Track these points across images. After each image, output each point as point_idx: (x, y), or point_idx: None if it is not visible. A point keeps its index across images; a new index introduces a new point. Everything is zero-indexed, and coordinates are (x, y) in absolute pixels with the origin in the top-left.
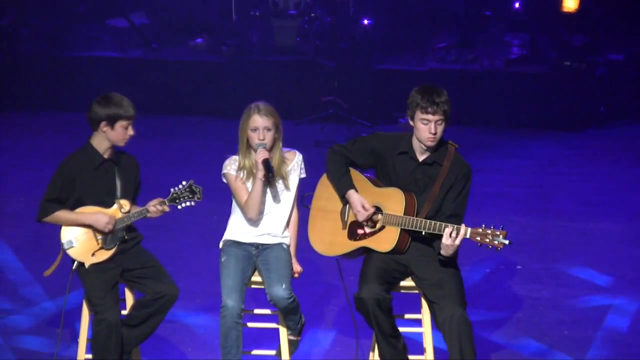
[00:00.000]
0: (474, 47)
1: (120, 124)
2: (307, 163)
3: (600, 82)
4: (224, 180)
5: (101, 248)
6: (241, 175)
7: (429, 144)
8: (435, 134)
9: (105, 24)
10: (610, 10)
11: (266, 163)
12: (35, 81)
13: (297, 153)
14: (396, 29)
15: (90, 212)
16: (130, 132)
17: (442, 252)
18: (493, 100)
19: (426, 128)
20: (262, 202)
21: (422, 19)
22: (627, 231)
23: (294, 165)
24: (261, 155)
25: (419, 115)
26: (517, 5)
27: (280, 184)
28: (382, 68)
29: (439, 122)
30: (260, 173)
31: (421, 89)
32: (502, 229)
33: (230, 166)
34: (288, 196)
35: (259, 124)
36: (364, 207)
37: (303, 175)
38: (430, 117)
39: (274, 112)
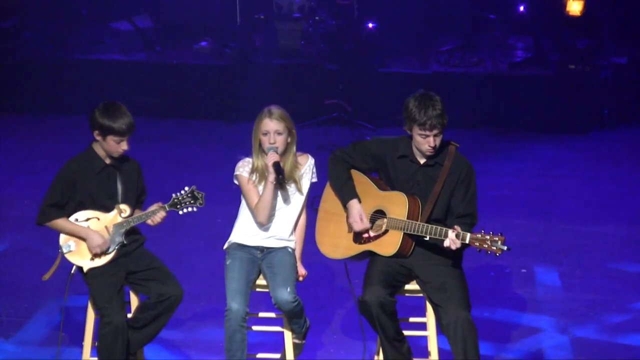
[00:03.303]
0: (477, 50)
1: (111, 138)
2: None
3: (604, 85)
4: (236, 182)
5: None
6: (253, 177)
7: (429, 154)
8: (434, 146)
9: (108, 26)
10: (614, 14)
11: (276, 166)
12: (39, 84)
13: (309, 157)
14: (400, 32)
15: (88, 228)
16: (124, 147)
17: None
18: (497, 103)
19: (425, 142)
20: (273, 206)
21: (425, 22)
22: (631, 234)
23: (306, 169)
24: (271, 158)
25: (417, 130)
26: (521, 8)
27: (292, 187)
28: (386, 71)
29: (437, 135)
30: (272, 176)
31: (417, 102)
32: (501, 234)
33: (243, 168)
34: (298, 200)
35: (270, 128)
36: (361, 220)
37: (314, 180)
38: (428, 132)
39: (286, 117)
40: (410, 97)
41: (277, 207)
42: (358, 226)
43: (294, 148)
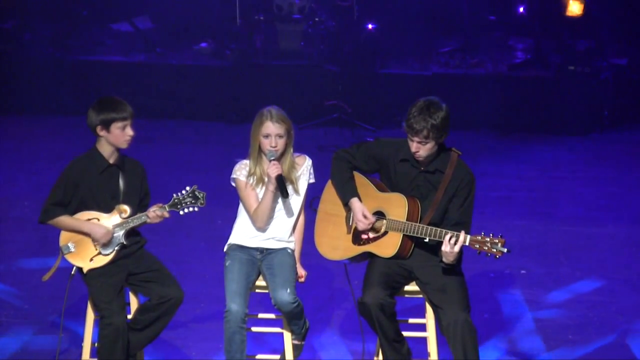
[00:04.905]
0: (477, 52)
1: (115, 126)
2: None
3: (604, 86)
4: (233, 185)
5: (99, 253)
6: (251, 181)
7: (416, 157)
8: (417, 152)
9: (109, 27)
10: (614, 15)
11: (280, 179)
12: (39, 85)
13: (307, 158)
14: (400, 33)
15: (90, 222)
16: (129, 132)
17: (444, 259)
18: (496, 104)
19: (412, 144)
20: (272, 211)
21: (426, 24)
22: (631, 235)
23: (304, 170)
24: (274, 170)
25: (406, 129)
26: (521, 9)
27: (289, 189)
28: (386, 72)
29: (422, 143)
30: (272, 185)
31: (418, 107)
32: (501, 237)
33: (240, 171)
34: (296, 201)
35: (271, 131)
36: (364, 217)
37: (312, 181)
38: (411, 135)
39: (286, 118)
40: (420, 100)
41: (275, 209)
42: (362, 225)
43: (292, 149)
